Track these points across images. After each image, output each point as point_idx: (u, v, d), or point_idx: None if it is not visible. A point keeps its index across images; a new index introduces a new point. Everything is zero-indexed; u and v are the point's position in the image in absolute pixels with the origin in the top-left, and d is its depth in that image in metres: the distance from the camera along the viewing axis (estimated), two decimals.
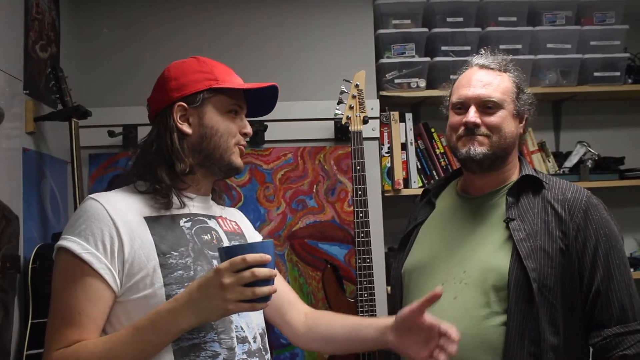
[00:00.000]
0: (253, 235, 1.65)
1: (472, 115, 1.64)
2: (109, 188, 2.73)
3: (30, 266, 2.10)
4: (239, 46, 2.91)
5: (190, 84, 1.43)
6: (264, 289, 1.21)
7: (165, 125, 1.43)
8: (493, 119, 1.64)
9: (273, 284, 1.25)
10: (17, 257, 2.09)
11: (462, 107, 1.68)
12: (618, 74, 3.08)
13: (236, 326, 1.38)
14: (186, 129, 1.43)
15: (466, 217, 1.71)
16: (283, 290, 1.60)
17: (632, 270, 2.95)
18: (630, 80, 3.15)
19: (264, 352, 1.45)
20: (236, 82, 1.48)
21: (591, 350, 1.59)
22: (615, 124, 3.39)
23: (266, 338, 1.51)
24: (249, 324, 1.42)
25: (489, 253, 1.60)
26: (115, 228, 1.32)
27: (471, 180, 1.75)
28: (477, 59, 1.75)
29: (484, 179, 1.71)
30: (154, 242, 1.34)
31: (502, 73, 1.71)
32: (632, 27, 3.09)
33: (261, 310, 1.48)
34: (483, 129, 1.64)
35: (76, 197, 2.27)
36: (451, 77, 2.83)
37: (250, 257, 1.19)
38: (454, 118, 1.70)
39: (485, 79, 1.68)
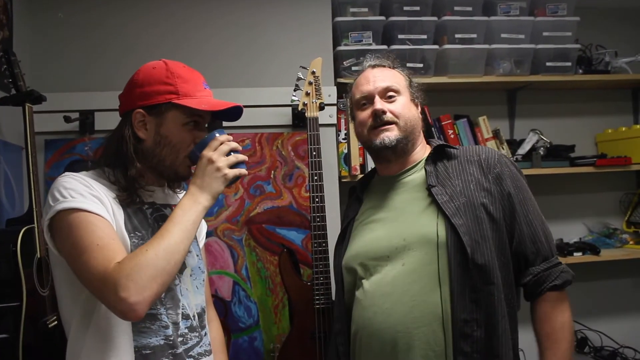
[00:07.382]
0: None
1: (379, 103, 1.79)
2: None
3: None
4: (197, 32, 2.90)
5: (152, 95, 1.52)
6: (239, 155, 1.49)
7: (124, 127, 1.53)
8: (396, 105, 1.80)
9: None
10: None
11: (366, 101, 1.84)
12: (569, 64, 3.18)
13: (182, 304, 1.53)
14: (142, 134, 1.52)
15: (392, 193, 1.84)
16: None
17: (581, 254, 3.11)
18: (580, 71, 3.27)
19: (200, 329, 1.60)
20: (198, 97, 1.54)
21: (522, 290, 1.74)
22: (566, 113, 3.50)
23: (205, 316, 1.66)
24: (189, 304, 1.56)
25: (419, 217, 1.72)
26: (98, 196, 1.41)
27: (387, 167, 1.89)
28: (368, 62, 1.94)
29: (398, 164, 1.85)
30: (124, 218, 1.46)
31: (392, 69, 1.90)
32: (583, 20, 3.19)
33: (202, 292, 1.65)
34: (389, 116, 1.78)
35: (31, 183, 2.25)
36: (407, 65, 2.88)
37: (223, 136, 1.48)
38: (361, 114, 1.84)
39: (381, 75, 1.86)
